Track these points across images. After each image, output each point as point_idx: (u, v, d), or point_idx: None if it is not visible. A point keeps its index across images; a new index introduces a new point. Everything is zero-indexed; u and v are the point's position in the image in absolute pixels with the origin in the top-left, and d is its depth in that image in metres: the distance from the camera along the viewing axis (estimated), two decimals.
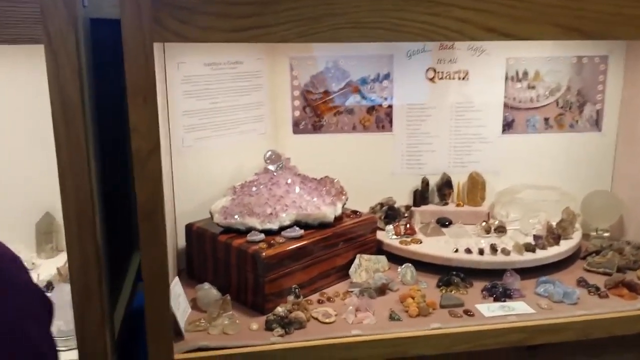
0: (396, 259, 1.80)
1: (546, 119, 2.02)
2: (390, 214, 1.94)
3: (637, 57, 1.90)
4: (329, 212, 1.66)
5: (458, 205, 2.02)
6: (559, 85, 1.99)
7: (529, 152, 2.03)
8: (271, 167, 1.81)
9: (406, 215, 1.97)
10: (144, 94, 1.15)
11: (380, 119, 2.00)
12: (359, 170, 2.01)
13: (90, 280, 1.19)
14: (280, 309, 1.45)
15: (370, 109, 1.99)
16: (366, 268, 1.74)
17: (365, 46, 1.93)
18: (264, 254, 1.49)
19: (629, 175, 1.95)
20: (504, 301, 1.57)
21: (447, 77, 1.97)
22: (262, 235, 1.58)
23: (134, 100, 1.15)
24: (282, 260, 1.53)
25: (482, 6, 1.22)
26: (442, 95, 1.99)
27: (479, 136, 2.02)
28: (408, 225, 1.88)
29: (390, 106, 1.99)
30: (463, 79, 1.97)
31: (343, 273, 1.71)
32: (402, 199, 2.03)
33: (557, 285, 1.62)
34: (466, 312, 1.52)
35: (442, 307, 1.55)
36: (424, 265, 1.76)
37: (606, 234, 1.98)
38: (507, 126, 2.02)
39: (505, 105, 2.00)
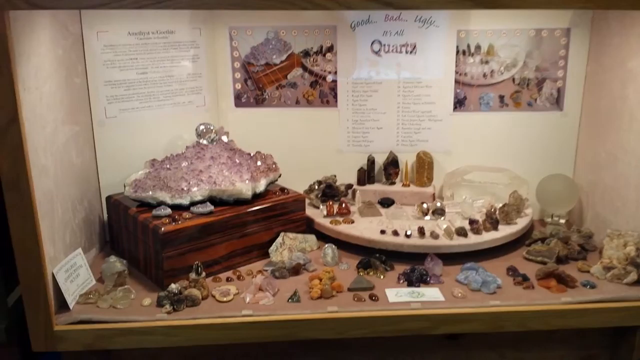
0: (327, 238, 1.74)
1: (501, 97, 1.88)
2: (328, 192, 1.87)
3: (603, 29, 1.74)
4: (245, 188, 1.61)
5: (404, 185, 1.93)
6: (515, 60, 1.85)
7: (482, 132, 1.91)
8: (202, 141, 1.77)
9: (346, 194, 1.90)
10: None
11: (324, 93, 1.92)
12: (304, 147, 1.95)
13: None
14: (174, 286, 1.42)
15: (314, 83, 1.91)
16: (290, 247, 1.68)
17: (307, 16, 1.84)
18: (162, 229, 1.46)
19: (592, 158, 1.81)
20: (418, 286, 1.49)
21: (394, 50, 1.86)
22: (169, 210, 1.55)
23: None
24: (183, 237, 1.49)
25: None
26: (389, 70, 1.88)
27: (428, 114, 1.91)
28: (344, 205, 1.80)
29: (334, 80, 1.90)
30: (411, 52, 1.86)
31: (267, 250, 1.66)
32: (350, 177, 1.95)
33: (480, 273, 1.52)
34: (371, 296, 1.44)
35: (349, 290, 1.48)
36: (352, 247, 1.69)
37: (562, 221, 1.85)
38: (459, 104, 1.90)
39: (457, 82, 1.88)
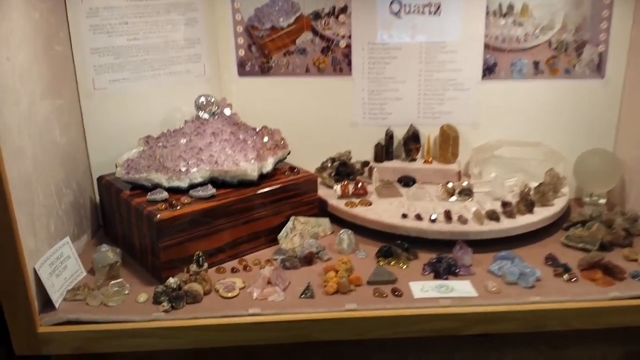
0: (342, 222, 1.57)
1: (536, 63, 1.69)
2: (342, 170, 1.69)
3: None
4: (250, 168, 1.44)
5: (426, 162, 1.75)
6: (552, 21, 1.65)
7: (513, 102, 1.72)
8: (203, 114, 1.59)
9: (362, 172, 1.72)
10: None
11: (337, 60, 1.73)
12: (315, 120, 1.77)
13: None
14: (172, 280, 1.25)
15: (326, 49, 1.72)
16: (301, 232, 1.51)
17: None
18: (158, 216, 1.29)
19: (637, 131, 1.62)
20: (446, 279, 1.32)
21: (416, 11, 1.66)
22: (165, 194, 1.38)
23: None
24: (182, 224, 1.32)
25: None
26: (410, 33, 1.68)
27: (453, 82, 1.72)
28: (360, 185, 1.63)
29: (348, 45, 1.71)
30: (434, 13, 1.66)
31: (276, 236, 1.49)
32: (366, 154, 1.77)
33: (516, 263, 1.35)
34: (394, 291, 1.28)
35: (369, 283, 1.31)
36: (370, 232, 1.52)
37: (602, 201, 1.68)
38: (488, 71, 1.70)
39: (486, 46, 1.68)
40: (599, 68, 1.68)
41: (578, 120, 1.71)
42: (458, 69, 1.70)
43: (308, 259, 1.41)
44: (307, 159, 1.64)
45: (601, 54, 1.66)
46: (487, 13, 1.65)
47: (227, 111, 1.63)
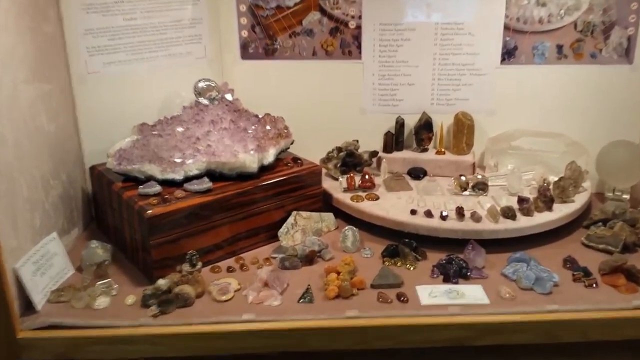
0: (348, 217, 1.48)
1: (559, 47, 1.57)
2: (349, 161, 1.60)
3: None
4: (250, 160, 1.35)
5: (439, 152, 1.65)
6: (578, 2, 1.52)
7: (533, 89, 1.62)
8: (202, 100, 1.50)
9: (371, 163, 1.62)
10: None
11: (346, 42, 1.62)
12: (321, 107, 1.68)
13: None
14: (162, 282, 1.18)
15: (334, 30, 1.61)
16: (303, 228, 1.43)
17: None
18: (149, 211, 1.21)
19: None
20: (455, 282, 1.23)
21: None
22: (158, 188, 1.30)
23: None
24: (175, 220, 1.24)
25: None
26: (424, 13, 1.57)
27: (470, 67, 1.62)
28: (367, 177, 1.54)
29: (358, 26, 1.60)
30: None
31: (276, 232, 1.41)
32: (375, 143, 1.67)
33: (532, 267, 1.26)
34: (400, 296, 1.19)
35: (372, 287, 1.23)
36: (376, 229, 1.43)
37: (625, 196, 1.57)
38: (508, 54, 1.59)
39: (506, 28, 1.57)
40: (627, 53, 1.56)
41: (603, 109, 1.61)
42: (475, 53, 1.60)
43: (309, 258, 1.33)
44: (311, 148, 1.55)
45: (630, 37, 1.54)
46: None
47: (229, 96, 1.54)
